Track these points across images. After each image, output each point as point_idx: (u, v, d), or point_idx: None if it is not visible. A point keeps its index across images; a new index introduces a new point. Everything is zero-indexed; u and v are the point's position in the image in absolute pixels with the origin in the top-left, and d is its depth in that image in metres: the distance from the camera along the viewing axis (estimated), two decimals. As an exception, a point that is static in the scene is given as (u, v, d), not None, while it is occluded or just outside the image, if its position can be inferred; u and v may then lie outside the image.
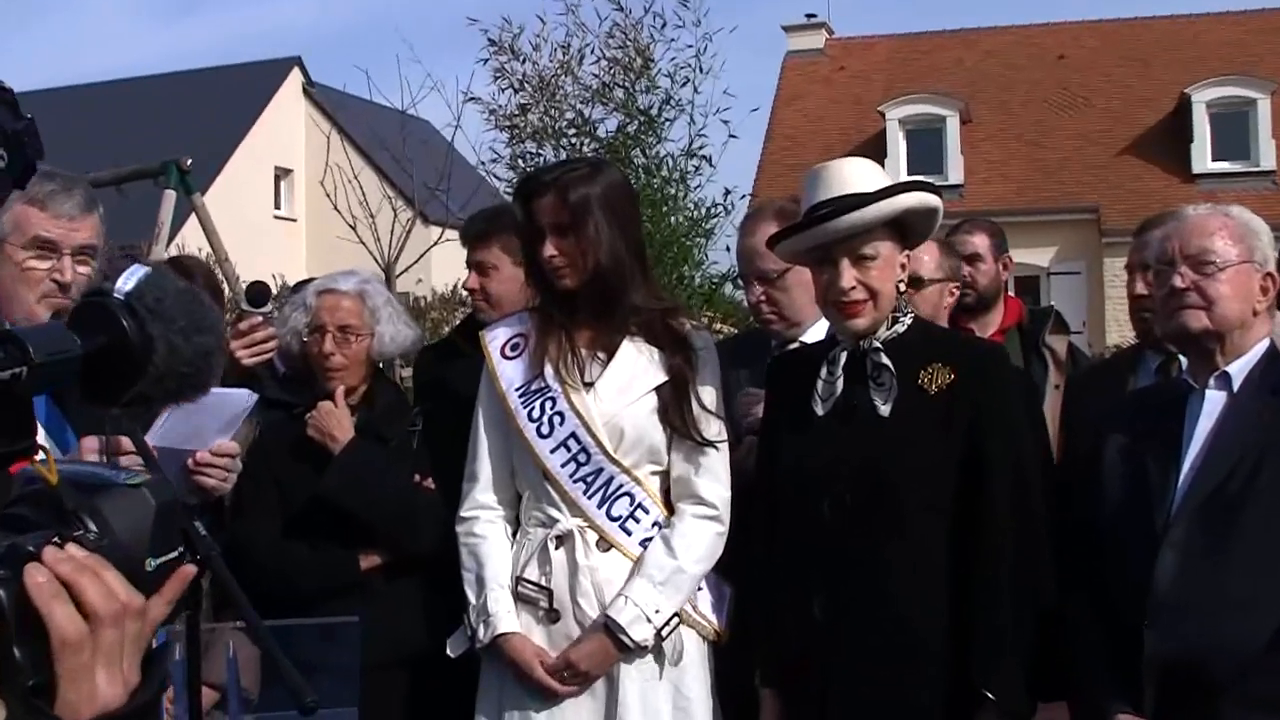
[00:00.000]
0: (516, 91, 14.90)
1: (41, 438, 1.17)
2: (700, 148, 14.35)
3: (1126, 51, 27.25)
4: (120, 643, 1.06)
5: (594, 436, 2.85)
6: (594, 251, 2.84)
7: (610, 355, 2.91)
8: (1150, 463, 2.68)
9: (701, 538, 2.86)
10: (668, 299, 3.21)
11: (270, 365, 3.70)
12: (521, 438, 2.90)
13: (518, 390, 2.93)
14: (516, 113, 14.87)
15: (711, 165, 14.45)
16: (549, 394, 2.89)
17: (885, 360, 2.68)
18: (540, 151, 14.61)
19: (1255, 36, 26.23)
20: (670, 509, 2.91)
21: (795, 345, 3.15)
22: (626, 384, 2.89)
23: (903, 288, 2.74)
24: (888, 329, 2.72)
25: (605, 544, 2.86)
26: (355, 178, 14.56)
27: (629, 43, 14.58)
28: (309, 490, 3.24)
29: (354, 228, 14.30)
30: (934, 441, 2.63)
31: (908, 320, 2.75)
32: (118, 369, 1.20)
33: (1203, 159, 24.80)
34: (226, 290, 6.85)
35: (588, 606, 2.83)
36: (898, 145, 25.74)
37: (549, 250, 2.87)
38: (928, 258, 3.60)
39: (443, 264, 15.42)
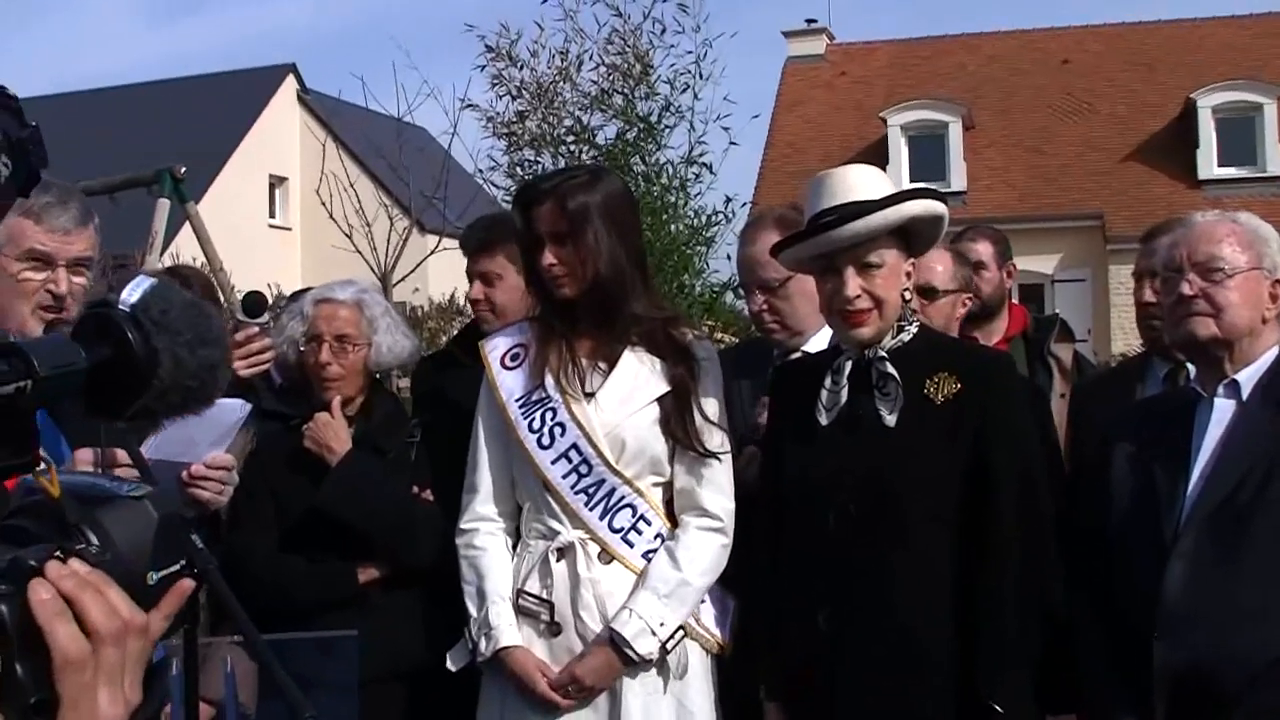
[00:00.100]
0: (514, 98, 14.86)
1: None
2: (700, 155, 14.30)
3: (1131, 56, 27.18)
4: (122, 661, 1.05)
5: (595, 447, 2.84)
6: (593, 260, 2.83)
7: (611, 365, 2.90)
8: (1159, 472, 2.67)
9: (706, 550, 2.85)
10: (669, 308, 3.21)
11: (267, 376, 3.68)
12: (522, 449, 2.89)
13: (518, 401, 2.91)
14: (514, 120, 14.82)
15: (712, 173, 14.37)
16: (550, 404, 2.88)
17: (890, 369, 2.67)
18: (538, 159, 14.56)
19: (1262, 40, 26.14)
20: (672, 520, 2.89)
21: (798, 355, 3.14)
22: (628, 394, 2.88)
23: (908, 296, 2.73)
24: (893, 338, 2.71)
25: (607, 556, 2.84)
26: (351, 186, 14.50)
27: (628, 49, 14.53)
28: (306, 502, 3.22)
29: (350, 236, 14.25)
30: (939, 451, 2.62)
31: (913, 329, 2.74)
32: (122, 382, 1.19)
33: (1209, 165, 24.71)
34: (222, 300, 6.83)
35: (590, 619, 2.82)
36: (899, 152, 25.70)
37: (548, 259, 2.86)
38: (941, 268, 3.59)
39: (439, 273, 15.38)
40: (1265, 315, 2.68)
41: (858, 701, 2.61)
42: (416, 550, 3.20)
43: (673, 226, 13.85)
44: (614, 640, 2.77)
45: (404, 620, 3.19)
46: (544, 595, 2.85)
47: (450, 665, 2.95)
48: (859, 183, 2.69)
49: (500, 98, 14.89)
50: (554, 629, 2.84)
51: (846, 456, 2.66)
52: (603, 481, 2.84)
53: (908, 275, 2.72)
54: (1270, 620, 2.49)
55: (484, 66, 14.91)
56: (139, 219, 8.10)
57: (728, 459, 2.90)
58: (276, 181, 31.10)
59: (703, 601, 2.89)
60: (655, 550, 2.85)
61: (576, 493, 2.85)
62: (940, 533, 2.61)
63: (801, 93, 28.28)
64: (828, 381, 2.72)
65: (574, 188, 2.86)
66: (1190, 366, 3.02)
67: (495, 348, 3.02)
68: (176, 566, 1.14)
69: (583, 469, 2.85)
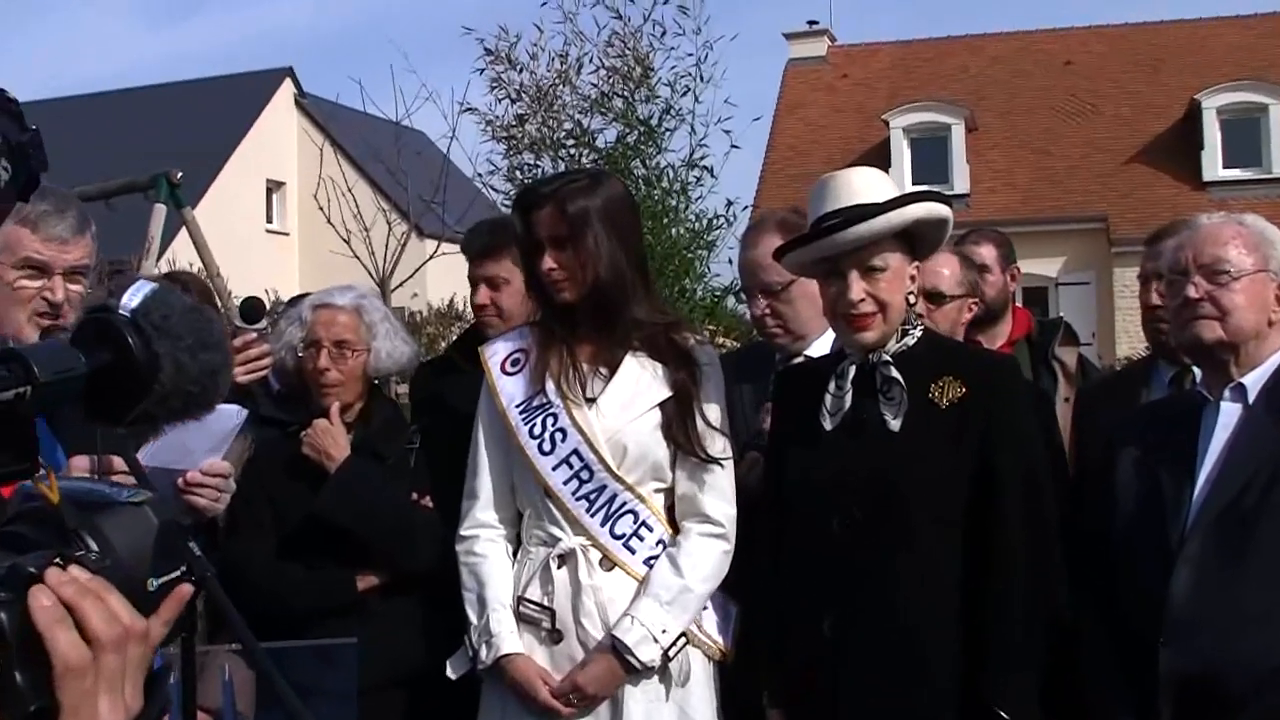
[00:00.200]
0: (514, 102, 14.87)
1: None
2: (701, 158, 14.31)
3: (1135, 57, 27.14)
4: (122, 668, 1.04)
5: (596, 453, 2.83)
6: (593, 264, 2.82)
7: (612, 370, 2.89)
8: (1164, 476, 2.67)
9: (708, 556, 2.84)
10: (671, 313, 3.21)
11: (265, 382, 3.68)
12: (523, 455, 2.87)
13: (519, 406, 2.90)
14: (514, 123, 14.82)
15: (713, 176, 14.39)
16: (550, 410, 2.87)
17: (895, 373, 2.66)
18: (538, 163, 14.57)
19: (1267, 41, 26.06)
20: (674, 527, 2.88)
21: (800, 359, 3.13)
22: (629, 400, 2.87)
23: (913, 300, 2.72)
24: (897, 342, 2.70)
25: (608, 563, 2.83)
26: (349, 190, 14.50)
27: (628, 51, 14.54)
28: (304, 509, 3.21)
29: (348, 241, 14.24)
30: (944, 455, 2.62)
31: (917, 333, 2.73)
32: (123, 387, 1.18)
33: (1214, 166, 24.65)
34: (219, 306, 6.81)
35: (591, 627, 2.81)
36: (902, 154, 25.68)
37: (547, 263, 2.85)
38: (948, 272, 3.58)
39: (438, 278, 15.38)
40: (1271, 318, 2.67)
41: (861, 707, 2.60)
42: (416, 557, 3.18)
43: (674, 230, 13.85)
44: (616, 648, 2.76)
45: (403, 628, 3.17)
46: (545, 602, 2.84)
47: (450, 673, 2.94)
48: (863, 185, 2.68)
49: (499, 101, 14.92)
50: (555, 636, 2.83)
51: (851, 461, 2.65)
52: (604, 487, 2.83)
53: (912, 279, 2.71)
54: (1276, 625, 2.49)
55: (483, 70, 14.94)
56: (135, 224, 8.09)
57: (729, 465, 2.89)
58: (274, 186, 31.07)
59: (705, 608, 2.87)
60: (657, 557, 2.84)
61: (578, 499, 2.84)
62: (945, 537, 2.60)
63: (803, 95, 28.28)
64: (831, 386, 2.71)
65: (574, 192, 2.86)
66: (1196, 370, 3.01)
67: (495, 353, 3.00)
68: (177, 572, 1.13)
69: (584, 475, 2.84)
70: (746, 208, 14.98)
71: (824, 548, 2.64)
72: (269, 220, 31.02)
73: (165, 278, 4.15)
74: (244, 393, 3.33)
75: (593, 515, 2.83)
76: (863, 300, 2.63)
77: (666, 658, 2.78)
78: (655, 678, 2.81)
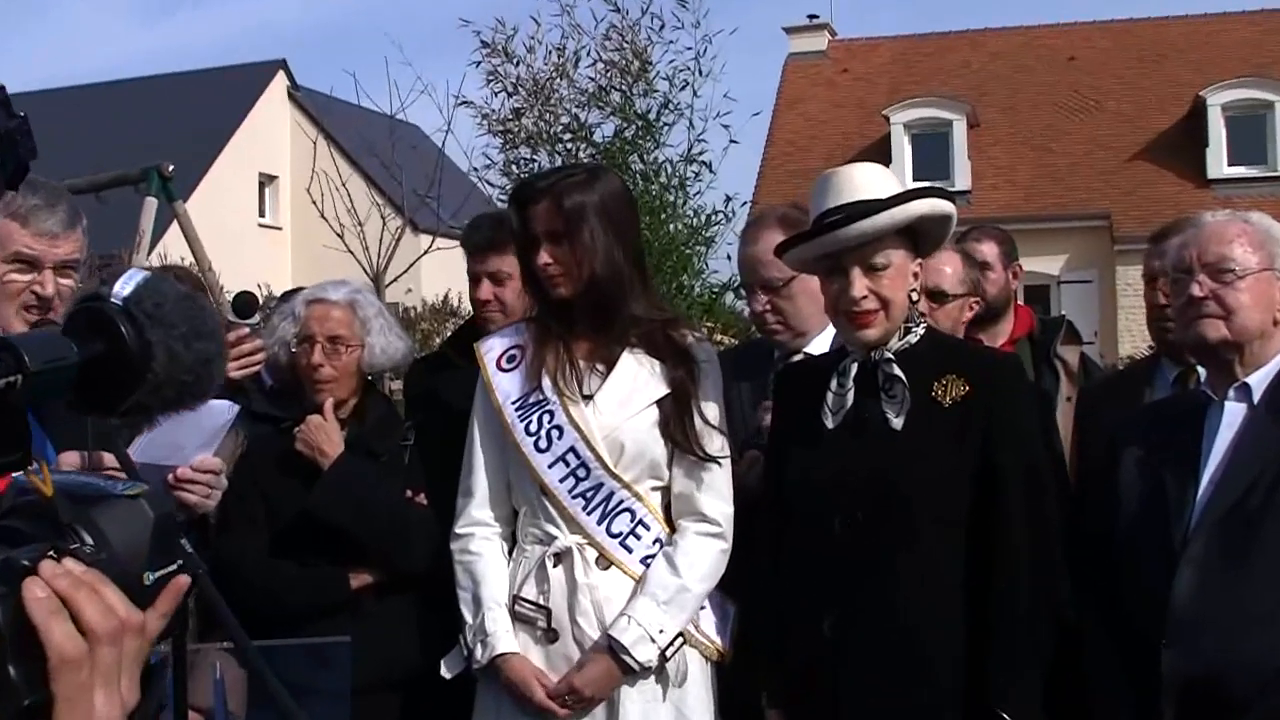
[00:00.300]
0: (510, 95, 14.85)
1: None
2: (700, 153, 14.30)
3: (1139, 52, 27.09)
4: (118, 661, 1.04)
5: (593, 451, 2.81)
6: (589, 260, 2.80)
7: (610, 367, 2.87)
8: (1168, 476, 2.66)
9: (705, 555, 2.82)
10: (669, 309, 3.20)
11: (257, 378, 3.66)
12: (519, 452, 2.86)
13: (514, 403, 2.89)
14: (510, 117, 14.81)
15: (711, 171, 14.38)
16: (547, 407, 2.85)
17: (897, 371, 2.65)
18: (534, 157, 14.56)
19: (1273, 37, 25.97)
20: (671, 525, 2.86)
21: (800, 356, 3.12)
22: (627, 397, 2.85)
23: (915, 297, 2.71)
24: (899, 339, 2.69)
25: (605, 562, 2.82)
26: (343, 185, 14.50)
27: (626, 45, 14.52)
28: (297, 506, 3.19)
29: (341, 236, 14.23)
30: (947, 454, 2.61)
31: (920, 330, 2.72)
32: (115, 377, 1.16)
33: (1219, 163, 24.61)
34: (211, 301, 6.80)
35: (587, 626, 2.79)
36: (902, 150, 25.64)
37: (543, 258, 2.84)
38: (950, 270, 3.58)
39: (433, 273, 15.38)
40: (1277, 317, 2.66)
41: (862, 707, 2.59)
42: (410, 555, 3.17)
43: (671, 226, 13.84)
44: (612, 648, 2.75)
45: (397, 626, 3.15)
46: (541, 601, 2.82)
47: (445, 672, 2.93)
48: (866, 181, 2.67)
49: (496, 94, 14.91)
50: (551, 635, 2.82)
51: (852, 460, 2.64)
52: (601, 485, 2.82)
53: (915, 276, 2.70)
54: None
55: (479, 62, 14.93)
56: (126, 218, 8.05)
57: (727, 463, 2.88)
58: (266, 180, 31.02)
59: (702, 608, 2.86)
60: (654, 555, 2.82)
61: (574, 497, 2.82)
62: (947, 537, 2.60)
63: (803, 90, 28.25)
64: (833, 384, 2.69)
65: (571, 186, 2.84)
66: (1201, 370, 3.01)
67: (491, 349, 2.99)
68: (173, 566, 1.12)
69: (580, 473, 2.82)
70: (745, 203, 14.97)
71: (825, 547, 2.63)
72: (261, 214, 30.99)
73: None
74: (236, 388, 3.31)
75: (589, 513, 2.82)
76: (865, 297, 2.62)
77: (664, 658, 2.77)
78: (652, 678, 2.79)
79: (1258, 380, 2.64)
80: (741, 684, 2.83)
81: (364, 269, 13.88)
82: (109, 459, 1.93)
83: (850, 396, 2.67)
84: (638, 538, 2.83)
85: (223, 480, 2.56)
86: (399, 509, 3.22)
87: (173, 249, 12.99)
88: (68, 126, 22.80)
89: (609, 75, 14.54)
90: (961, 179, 25.16)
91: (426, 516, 3.18)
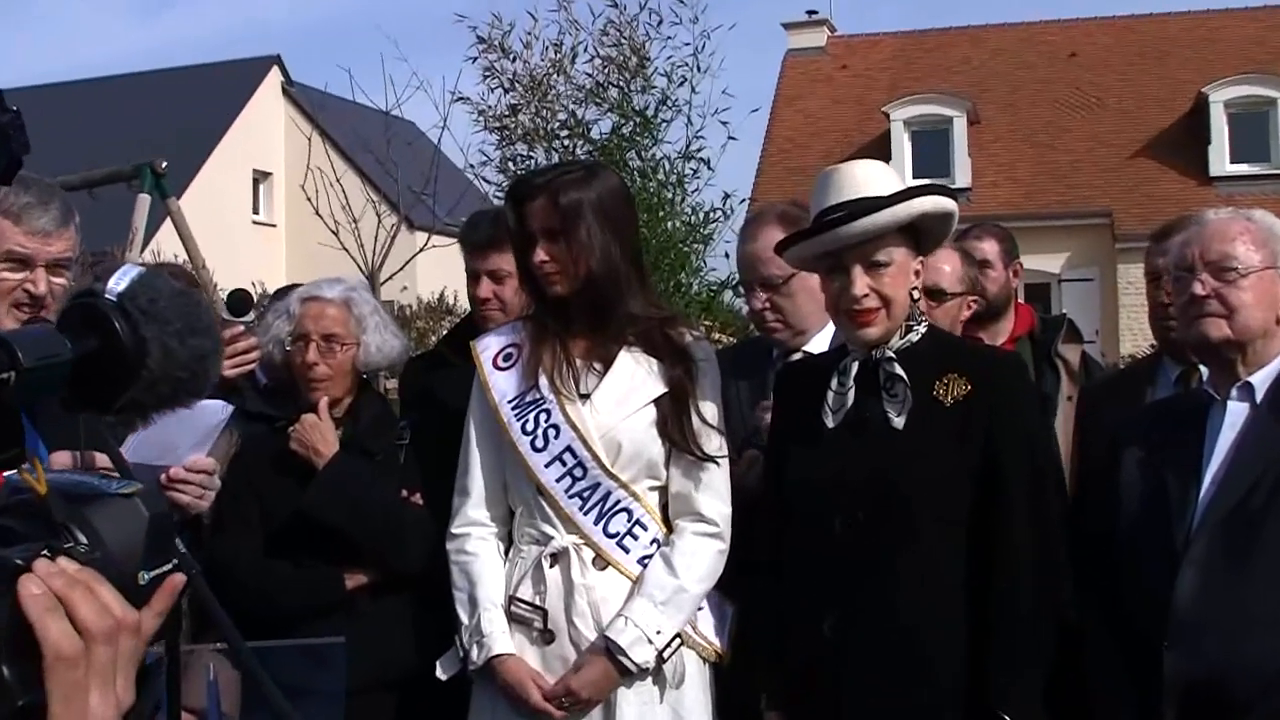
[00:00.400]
0: (506, 91, 14.82)
1: None
2: (698, 150, 14.29)
3: (1141, 49, 27.07)
4: (114, 661, 1.04)
5: (590, 450, 2.80)
6: (586, 257, 2.79)
7: (607, 366, 2.86)
8: (1169, 476, 2.66)
9: (703, 556, 2.81)
10: (666, 308, 3.19)
11: (251, 377, 3.65)
12: (515, 452, 2.85)
13: (511, 402, 2.87)
14: (506, 113, 14.79)
15: (710, 168, 14.36)
16: (544, 406, 2.84)
17: (899, 370, 2.64)
18: (531, 154, 14.54)
19: (1276, 33, 25.94)
20: (668, 525, 2.85)
21: (799, 355, 3.11)
22: (624, 396, 2.84)
23: (916, 295, 2.69)
24: (900, 338, 2.68)
25: (602, 562, 2.81)
26: (337, 181, 14.47)
27: (624, 41, 14.50)
28: (292, 506, 3.18)
29: (336, 233, 14.23)
30: (948, 453, 2.60)
31: (921, 329, 2.71)
32: (110, 373, 1.16)
33: (1221, 161, 24.59)
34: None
35: (584, 627, 2.78)
36: (902, 147, 25.63)
37: (540, 256, 2.82)
38: (949, 268, 3.57)
39: (428, 271, 15.37)
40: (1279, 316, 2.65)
41: (863, 708, 2.58)
42: (406, 555, 3.15)
43: (669, 223, 13.83)
44: (609, 649, 2.74)
45: (393, 627, 3.14)
46: (537, 602, 2.81)
47: (440, 674, 2.92)
48: (867, 178, 2.66)
49: (492, 90, 14.88)
50: (547, 636, 2.80)
51: (853, 459, 2.63)
52: (598, 485, 2.80)
53: (916, 274, 2.69)
54: (1282, 627, 2.47)
55: (475, 58, 14.90)
56: (119, 215, 8.04)
57: (725, 463, 2.87)
58: (260, 176, 30.97)
59: (700, 609, 2.85)
60: (651, 556, 2.81)
61: (571, 497, 2.81)
62: (948, 536, 2.59)
63: (802, 86, 28.25)
64: (833, 383, 2.68)
65: (567, 183, 2.83)
66: (1203, 369, 3.00)
67: (487, 348, 2.97)
68: (169, 565, 1.11)
69: (577, 472, 2.81)
70: (744, 201, 14.98)
71: (825, 547, 2.62)
72: (255, 211, 30.94)
73: (153, 269, 4.11)
74: (230, 387, 3.30)
75: (586, 513, 2.81)
76: (866, 296, 2.61)
77: (661, 659, 2.76)
78: (649, 679, 2.78)
79: (1260, 379, 2.64)
80: (741, 685, 2.82)
81: (359, 266, 13.88)
82: (102, 459, 1.92)
83: (851, 395, 2.66)
84: (635, 538, 2.81)
85: (216, 481, 2.54)
86: (394, 509, 3.20)
87: (166, 246, 12.99)
88: (61, 122, 22.74)
89: (606, 71, 14.52)
90: (962, 176, 25.16)
91: (422, 516, 3.17)
